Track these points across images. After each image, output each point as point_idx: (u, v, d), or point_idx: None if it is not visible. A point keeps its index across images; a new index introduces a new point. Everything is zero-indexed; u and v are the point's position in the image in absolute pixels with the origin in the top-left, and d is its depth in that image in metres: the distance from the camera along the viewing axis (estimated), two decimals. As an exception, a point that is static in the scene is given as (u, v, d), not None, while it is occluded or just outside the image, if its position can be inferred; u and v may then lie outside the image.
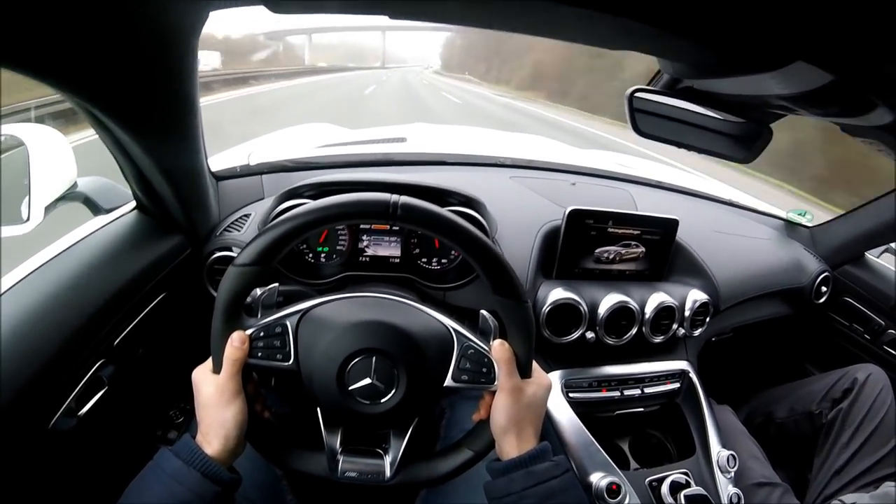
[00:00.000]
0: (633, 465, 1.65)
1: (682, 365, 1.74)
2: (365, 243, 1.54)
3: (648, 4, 0.62)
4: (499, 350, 0.93)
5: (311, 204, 0.87)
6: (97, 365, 1.14)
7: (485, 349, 0.94)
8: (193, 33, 0.88)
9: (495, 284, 0.91)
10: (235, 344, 0.88)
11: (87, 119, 1.01)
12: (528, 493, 0.88)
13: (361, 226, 1.53)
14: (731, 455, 1.54)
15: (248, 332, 0.90)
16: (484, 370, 0.94)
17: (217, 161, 1.66)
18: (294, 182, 1.50)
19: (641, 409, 1.70)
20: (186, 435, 0.88)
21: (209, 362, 0.91)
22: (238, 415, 0.88)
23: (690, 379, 1.73)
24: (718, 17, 0.64)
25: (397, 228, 1.53)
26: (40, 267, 1.11)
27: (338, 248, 1.55)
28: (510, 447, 0.93)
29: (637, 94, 1.18)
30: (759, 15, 0.61)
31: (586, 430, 1.49)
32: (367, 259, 1.55)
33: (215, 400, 0.87)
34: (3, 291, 1.03)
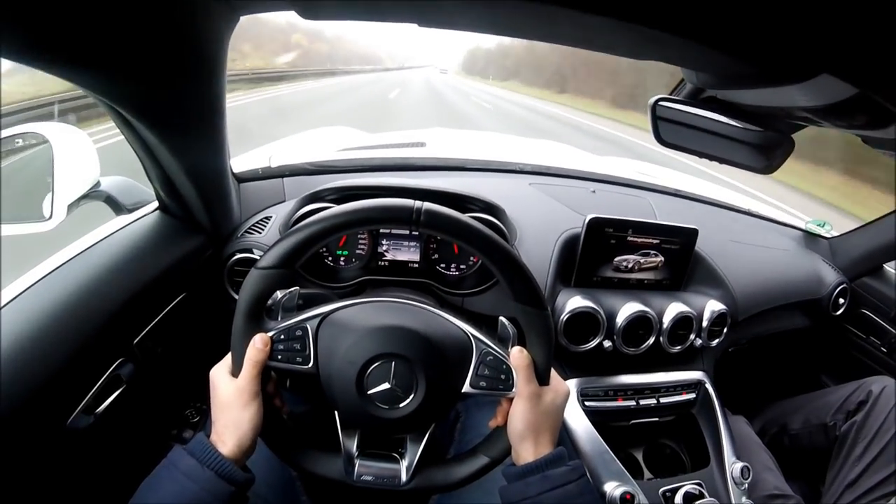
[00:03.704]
0: (647, 474, 1.65)
1: (698, 375, 1.74)
2: (384, 248, 1.54)
3: (675, 15, 0.63)
4: (517, 357, 0.93)
5: (335, 208, 0.88)
6: (116, 363, 1.15)
7: (503, 356, 0.94)
8: (223, 37, 0.89)
9: (516, 291, 0.91)
10: (258, 346, 0.88)
11: (112, 119, 1.02)
12: (544, 498, 0.88)
13: (381, 230, 1.53)
14: (746, 466, 1.54)
15: (269, 334, 0.90)
16: (502, 377, 0.94)
17: (238, 163, 1.66)
18: (315, 185, 1.51)
19: (657, 419, 1.70)
20: (200, 434, 0.88)
21: (227, 361, 0.92)
22: (255, 417, 0.88)
23: (706, 389, 1.72)
24: (745, 28, 0.64)
25: (417, 234, 1.54)
26: (62, 265, 1.12)
27: (357, 252, 1.55)
28: (527, 453, 0.93)
29: (660, 103, 1.18)
30: (784, 27, 0.61)
31: (601, 439, 1.49)
32: (386, 263, 1.55)
33: (233, 401, 0.88)
34: (25, 289, 1.04)
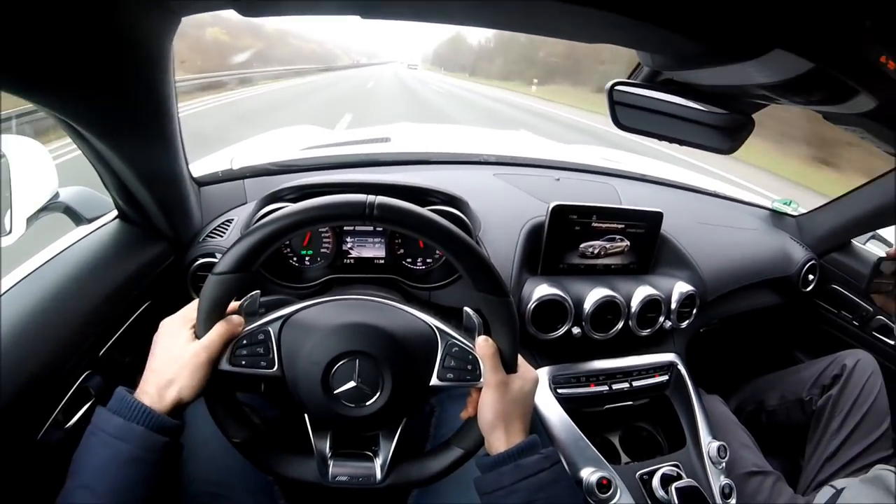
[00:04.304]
0: (624, 458, 1.66)
1: (670, 357, 1.75)
2: (349, 245, 1.53)
3: None
4: (483, 346, 0.93)
5: (286, 208, 0.88)
6: (83, 376, 1.14)
7: (469, 346, 0.95)
8: (166, 39, 0.88)
9: (476, 280, 0.91)
10: (234, 321, 0.89)
11: (63, 129, 1.00)
12: (518, 487, 0.88)
13: (345, 228, 1.52)
14: (722, 445, 1.55)
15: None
16: (469, 367, 0.94)
17: (199, 167, 1.65)
18: (276, 185, 1.50)
19: (630, 403, 1.71)
20: (120, 389, 0.86)
21: (186, 317, 0.92)
22: (202, 382, 0.87)
23: (679, 371, 1.74)
24: (695, 6, 0.64)
25: (381, 230, 1.53)
26: (23, 279, 1.10)
27: (322, 250, 1.54)
28: (499, 442, 0.93)
29: (617, 87, 1.19)
30: (735, 3, 0.62)
31: (575, 426, 1.49)
32: (352, 261, 1.54)
33: (188, 360, 0.86)
34: None
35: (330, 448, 0.98)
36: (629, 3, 0.64)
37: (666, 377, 1.72)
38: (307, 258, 1.54)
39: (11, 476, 0.99)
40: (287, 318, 0.94)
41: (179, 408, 0.87)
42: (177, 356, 0.87)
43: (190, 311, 0.93)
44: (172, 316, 0.94)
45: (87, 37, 0.74)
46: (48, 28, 0.68)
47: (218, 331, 0.87)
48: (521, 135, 3.20)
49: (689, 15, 0.66)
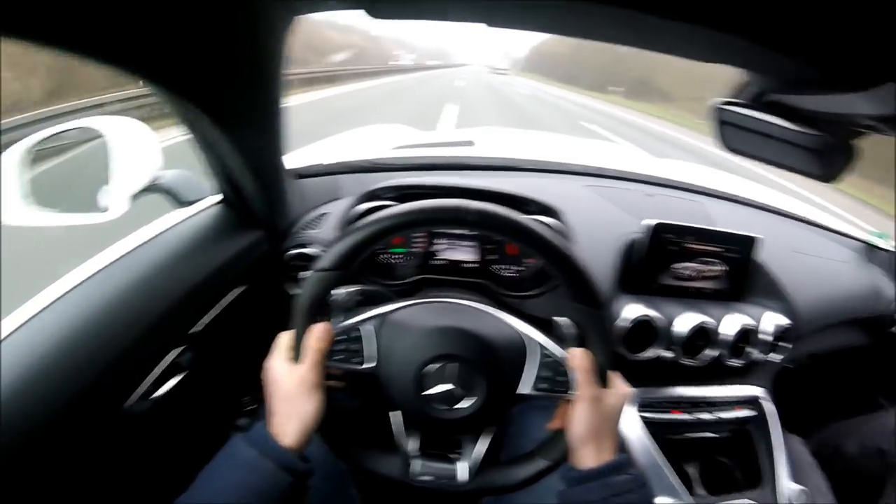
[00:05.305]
0: (700, 491, 1.60)
1: (756, 391, 1.69)
2: (440, 247, 1.54)
3: (741, 18, 0.62)
4: (579, 358, 0.92)
5: (390, 209, 0.88)
6: (175, 351, 1.18)
7: (562, 358, 0.94)
8: (285, 36, 0.91)
9: (575, 292, 0.90)
10: (318, 335, 0.89)
11: (176, 115, 1.04)
12: None
13: (438, 230, 1.53)
14: (804, 491, 1.49)
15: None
16: (560, 379, 0.94)
17: (292, 159, 1.68)
18: (369, 183, 1.53)
19: (711, 434, 1.65)
20: (260, 423, 0.89)
21: (282, 353, 0.92)
22: (318, 406, 0.89)
23: (764, 406, 1.67)
24: (809, 31, 0.62)
25: (473, 233, 1.53)
26: (124, 255, 1.14)
27: (413, 250, 1.55)
28: (588, 457, 0.91)
29: (724, 107, 1.16)
30: (851, 32, 0.60)
31: (658, 452, 1.46)
32: (442, 262, 1.55)
33: (296, 391, 0.88)
34: (88, 277, 1.06)
35: (419, 448, 0.99)
36: (743, 25, 0.63)
37: (750, 412, 1.66)
38: (397, 256, 1.55)
39: (99, 442, 1.03)
40: (384, 316, 0.96)
41: (305, 441, 0.89)
42: (288, 394, 0.89)
43: (282, 343, 0.94)
44: (271, 356, 0.95)
45: (211, 32, 0.79)
46: (178, 24, 0.73)
47: (311, 351, 0.89)
48: (610, 146, 3.17)
49: (800, 39, 0.64)
